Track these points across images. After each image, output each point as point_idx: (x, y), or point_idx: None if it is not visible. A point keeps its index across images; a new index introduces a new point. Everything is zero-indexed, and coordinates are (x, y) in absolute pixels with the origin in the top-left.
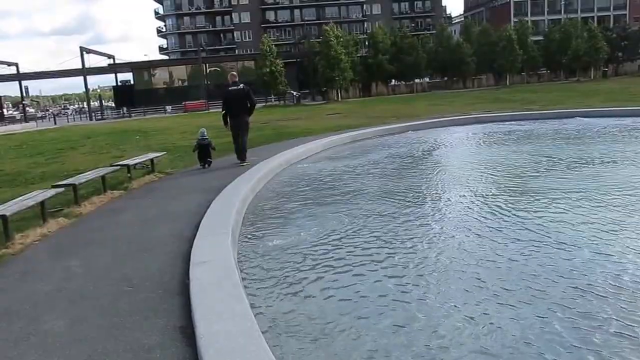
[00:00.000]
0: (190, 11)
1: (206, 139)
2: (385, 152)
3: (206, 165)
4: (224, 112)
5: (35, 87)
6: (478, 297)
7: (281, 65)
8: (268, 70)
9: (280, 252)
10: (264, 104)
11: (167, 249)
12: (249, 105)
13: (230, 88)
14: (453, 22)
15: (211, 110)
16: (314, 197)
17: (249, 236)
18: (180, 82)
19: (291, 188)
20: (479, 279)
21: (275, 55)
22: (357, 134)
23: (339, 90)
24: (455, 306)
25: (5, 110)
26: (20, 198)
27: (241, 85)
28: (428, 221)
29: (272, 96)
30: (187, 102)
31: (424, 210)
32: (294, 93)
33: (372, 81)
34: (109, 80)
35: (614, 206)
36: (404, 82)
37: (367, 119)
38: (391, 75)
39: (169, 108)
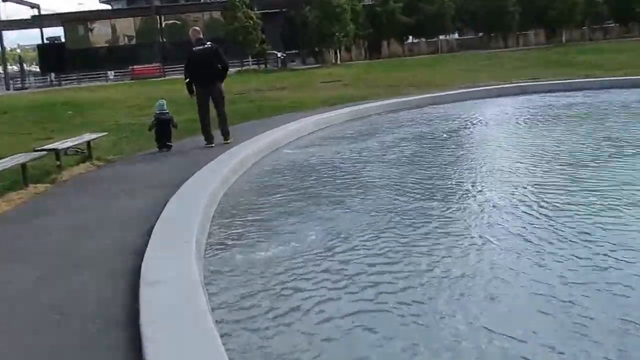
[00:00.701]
0: None
1: (166, 113)
2: (399, 133)
3: (164, 150)
4: (187, 79)
5: None
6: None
7: (257, 17)
8: (240, 25)
9: (263, 269)
10: (238, 68)
11: (109, 264)
12: (220, 68)
13: (194, 48)
14: None
15: (168, 77)
16: (305, 193)
17: (220, 247)
18: (126, 39)
19: (275, 181)
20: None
21: (247, 3)
22: (362, 108)
23: (337, 51)
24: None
25: None
26: None
27: (208, 44)
28: (460, 231)
29: (250, 59)
30: (135, 67)
31: (454, 214)
32: (278, 54)
33: (382, 38)
34: (32, 36)
35: None
36: (424, 40)
37: (375, 88)
38: (407, 31)
39: (111, 74)
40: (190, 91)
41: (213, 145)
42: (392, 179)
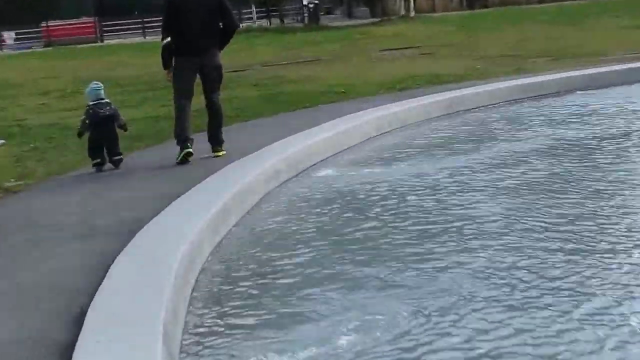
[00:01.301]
0: None
1: (107, 105)
2: (524, 141)
3: (103, 167)
4: (165, 40)
5: None
6: None
7: None
8: None
9: None
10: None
11: None
12: (222, 28)
13: None
14: None
15: (109, 42)
16: (355, 250)
17: (206, 343)
18: None
19: (303, 228)
20: None
21: None
22: (457, 96)
23: None
24: None
25: None
26: None
27: None
28: None
29: (253, 9)
30: (52, 23)
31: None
32: (305, 1)
33: None
34: None
35: None
36: None
37: (478, 60)
38: None
39: (9, 37)
40: (167, 62)
41: (189, 158)
42: (511, 222)
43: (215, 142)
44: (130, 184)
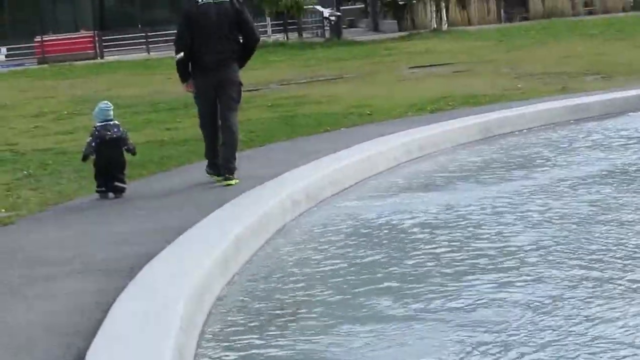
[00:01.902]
0: None
1: (116, 126)
2: (575, 167)
3: (109, 195)
4: (179, 55)
5: None
6: None
7: None
8: None
9: None
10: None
11: None
12: (242, 42)
13: (199, 1)
14: None
15: (110, 58)
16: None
17: None
18: None
19: (321, 267)
20: None
21: None
22: (495, 119)
23: (443, 4)
24: None
25: None
26: None
27: None
28: None
29: (268, 21)
30: (46, 38)
31: None
32: (325, 12)
33: None
34: None
35: None
36: None
37: (518, 79)
38: None
39: (0, 53)
40: (185, 75)
41: (231, 181)
42: (552, 256)
43: (227, 169)
44: (133, 215)
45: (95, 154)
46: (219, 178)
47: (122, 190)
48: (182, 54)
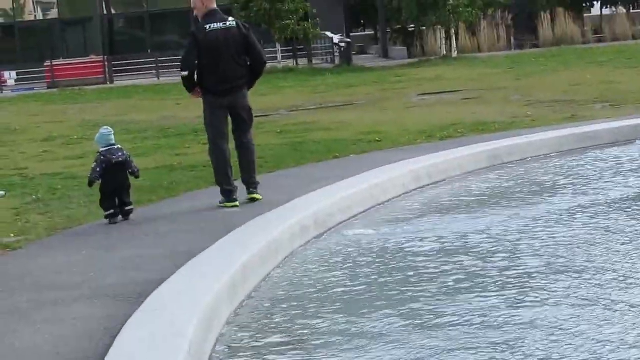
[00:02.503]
0: None
1: (120, 151)
2: (588, 194)
3: (117, 219)
4: (185, 72)
5: None
6: None
7: None
8: None
9: None
10: None
11: None
12: (250, 65)
13: (208, 25)
14: None
15: (120, 83)
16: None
17: None
18: (39, 10)
19: (330, 294)
20: None
21: None
22: (505, 146)
23: (452, 32)
24: None
25: None
26: None
27: (233, 21)
28: None
29: (278, 47)
30: (56, 62)
31: None
32: (335, 39)
33: (540, 8)
34: None
35: None
36: (624, 11)
37: (528, 105)
38: None
39: (11, 77)
40: (191, 87)
41: (254, 194)
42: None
43: (252, 184)
44: (142, 240)
45: (102, 179)
46: (235, 203)
47: (130, 212)
48: (186, 72)
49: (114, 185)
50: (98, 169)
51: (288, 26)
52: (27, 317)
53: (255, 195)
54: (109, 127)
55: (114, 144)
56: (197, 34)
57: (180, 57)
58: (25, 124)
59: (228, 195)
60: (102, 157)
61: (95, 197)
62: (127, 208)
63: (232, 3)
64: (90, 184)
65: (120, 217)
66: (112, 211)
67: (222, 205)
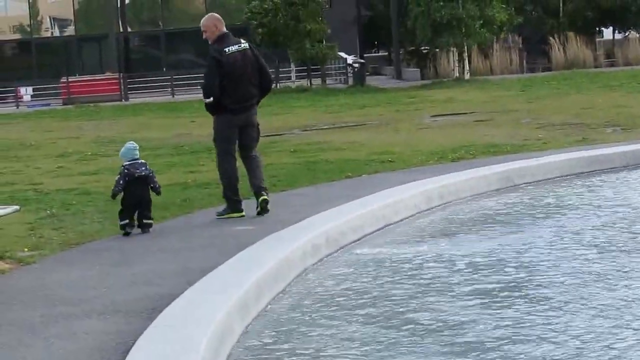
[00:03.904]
0: None
1: (143, 165)
2: (593, 217)
3: (132, 231)
4: (210, 99)
5: None
6: None
7: None
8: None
9: None
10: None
11: None
12: (260, 84)
13: (226, 48)
14: None
15: (136, 100)
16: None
17: None
18: (56, 27)
19: (342, 314)
20: None
21: None
22: (515, 168)
23: (466, 55)
24: None
25: None
26: None
27: (245, 44)
28: None
29: (292, 66)
30: (72, 79)
31: None
32: (349, 59)
33: (553, 31)
34: None
35: None
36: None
37: (540, 128)
38: (602, 17)
39: (26, 93)
40: (215, 111)
41: (244, 214)
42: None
43: (264, 188)
44: (155, 256)
45: (124, 192)
46: (242, 213)
47: (150, 225)
48: (211, 98)
49: (135, 198)
50: (121, 182)
51: (306, 47)
52: (39, 331)
53: (267, 198)
54: (134, 142)
55: (137, 159)
56: (219, 58)
57: (196, 75)
58: (40, 139)
59: (236, 205)
60: (125, 171)
61: (109, 213)
62: (146, 221)
63: (248, 20)
64: (114, 196)
65: (134, 228)
66: (126, 221)
67: (224, 216)
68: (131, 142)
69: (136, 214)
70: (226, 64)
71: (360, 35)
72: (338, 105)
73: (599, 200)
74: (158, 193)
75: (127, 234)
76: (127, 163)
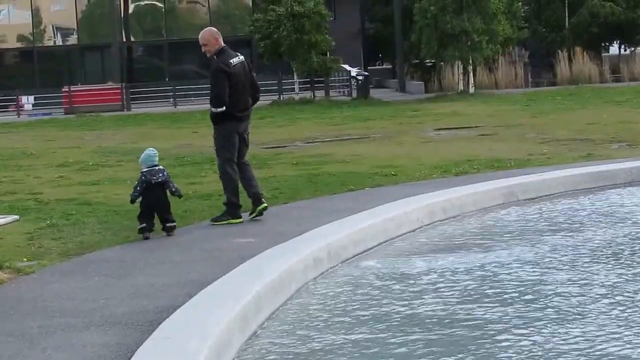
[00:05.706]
0: None
1: (161, 172)
2: (606, 232)
3: (149, 233)
4: (221, 108)
5: None
6: None
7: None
8: (288, 12)
9: None
10: (272, 98)
11: None
12: (251, 94)
13: (231, 60)
14: None
15: (136, 110)
16: None
17: None
18: (59, 36)
19: (344, 327)
20: None
21: None
22: (519, 183)
23: (471, 69)
24: None
25: None
26: None
27: (242, 57)
28: None
29: (295, 78)
30: (74, 88)
31: None
32: (353, 72)
33: (557, 46)
34: None
35: None
36: None
37: (544, 143)
38: (610, 32)
39: (28, 102)
40: (221, 119)
41: (242, 220)
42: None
43: (260, 194)
44: (154, 268)
45: (142, 197)
46: (241, 220)
47: (173, 228)
48: (224, 107)
49: (152, 203)
50: (138, 188)
51: (312, 60)
52: (38, 342)
53: (265, 204)
54: (154, 149)
55: (156, 165)
56: (227, 70)
57: (198, 86)
58: (41, 148)
59: (237, 210)
60: (143, 178)
61: (108, 224)
62: (168, 224)
63: (251, 32)
64: (132, 201)
65: (164, 232)
66: (144, 225)
67: (223, 222)
68: (151, 148)
69: (156, 219)
70: (233, 76)
71: (364, 47)
72: (341, 118)
73: (603, 216)
74: (179, 196)
75: (146, 238)
76: (146, 170)
